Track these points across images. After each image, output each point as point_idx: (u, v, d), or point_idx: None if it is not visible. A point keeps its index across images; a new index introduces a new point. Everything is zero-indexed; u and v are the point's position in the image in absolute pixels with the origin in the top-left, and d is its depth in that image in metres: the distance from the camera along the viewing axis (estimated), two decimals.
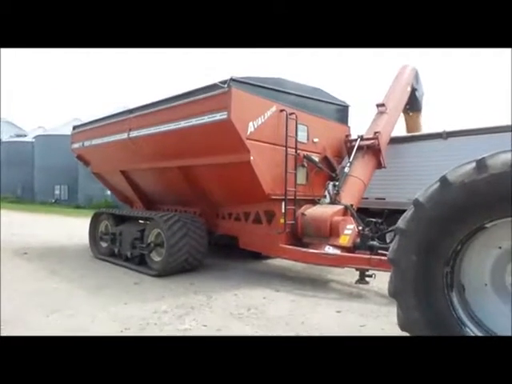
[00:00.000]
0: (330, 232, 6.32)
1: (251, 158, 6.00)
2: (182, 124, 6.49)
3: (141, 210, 9.43)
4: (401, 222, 2.54)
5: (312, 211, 6.78)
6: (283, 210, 6.56)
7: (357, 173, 7.53)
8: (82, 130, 9.61)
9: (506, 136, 7.28)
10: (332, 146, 8.01)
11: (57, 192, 32.80)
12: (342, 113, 8.54)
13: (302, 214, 6.78)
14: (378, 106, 8.45)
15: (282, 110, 6.57)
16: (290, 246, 6.57)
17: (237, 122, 5.78)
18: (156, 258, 7.28)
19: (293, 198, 6.76)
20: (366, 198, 8.83)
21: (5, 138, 37.79)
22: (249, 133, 6.00)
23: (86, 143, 9.35)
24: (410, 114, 10.03)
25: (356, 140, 7.90)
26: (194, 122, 6.27)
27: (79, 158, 10.22)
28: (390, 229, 5.85)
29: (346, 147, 8.17)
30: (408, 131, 10.18)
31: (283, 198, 6.55)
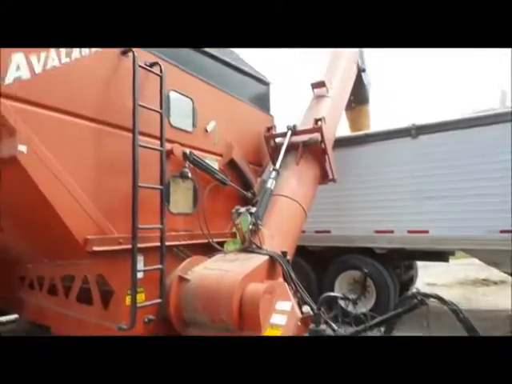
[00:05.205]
0: (241, 318, 2.74)
1: (19, 148, 2.22)
2: None
3: None
4: None
5: (203, 273, 3.16)
6: (133, 278, 2.81)
7: (289, 190, 4.16)
8: None
9: (506, 127, 4.71)
10: (245, 145, 4.57)
11: None
12: (260, 93, 5.20)
13: (181, 280, 3.12)
14: (314, 86, 5.28)
15: (125, 52, 2.97)
16: None
17: None
18: None
19: (158, 244, 3.07)
20: (302, 232, 5.42)
21: None
22: (12, 80, 2.25)
23: None
24: (354, 107, 7.11)
25: (285, 134, 4.57)
26: None
27: None
28: (378, 318, 2.44)
29: (269, 147, 4.80)
30: (353, 130, 7.22)
31: (130, 247, 2.82)
